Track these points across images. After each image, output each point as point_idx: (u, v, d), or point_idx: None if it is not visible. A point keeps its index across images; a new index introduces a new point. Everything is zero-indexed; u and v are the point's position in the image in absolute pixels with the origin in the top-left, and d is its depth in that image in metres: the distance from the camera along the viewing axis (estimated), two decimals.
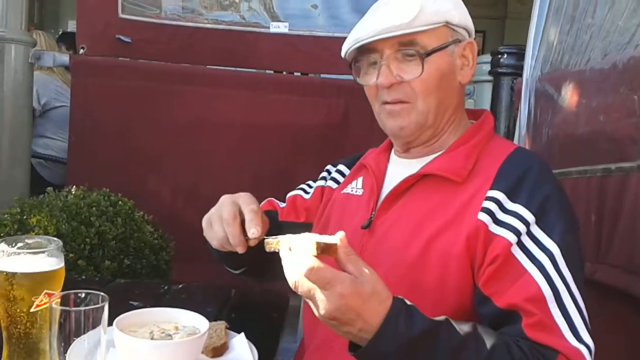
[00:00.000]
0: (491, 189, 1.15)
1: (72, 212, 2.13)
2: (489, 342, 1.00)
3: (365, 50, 1.25)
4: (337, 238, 0.96)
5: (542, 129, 2.05)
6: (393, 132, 1.28)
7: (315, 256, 0.93)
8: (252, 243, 1.17)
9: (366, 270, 0.96)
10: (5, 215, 2.10)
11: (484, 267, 1.10)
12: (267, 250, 1.02)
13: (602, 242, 1.56)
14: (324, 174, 1.55)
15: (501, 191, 1.14)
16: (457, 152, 1.24)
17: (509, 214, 1.11)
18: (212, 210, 1.23)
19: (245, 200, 1.21)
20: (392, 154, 1.39)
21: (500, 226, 1.11)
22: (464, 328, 1.01)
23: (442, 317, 1.01)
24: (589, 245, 1.57)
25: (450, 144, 1.28)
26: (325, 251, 0.94)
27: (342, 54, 1.30)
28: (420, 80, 1.22)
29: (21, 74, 2.87)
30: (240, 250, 1.17)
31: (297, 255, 0.94)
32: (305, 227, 1.44)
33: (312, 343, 1.30)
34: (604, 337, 1.49)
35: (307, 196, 1.53)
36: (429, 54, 1.21)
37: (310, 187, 1.55)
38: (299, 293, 0.94)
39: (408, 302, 0.98)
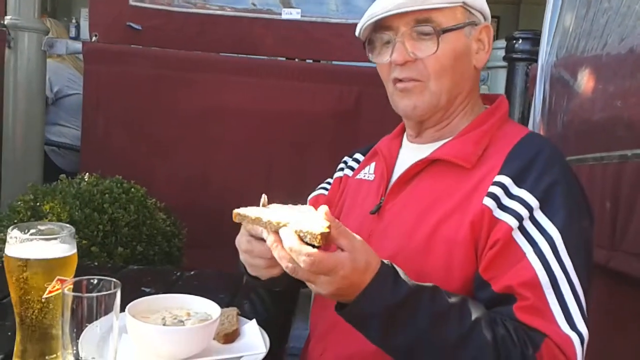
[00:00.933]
0: (499, 174, 1.14)
1: (85, 199, 2.15)
2: (474, 315, 1.01)
3: (380, 27, 1.24)
4: (321, 213, 0.96)
5: (557, 115, 2.03)
6: (405, 111, 1.27)
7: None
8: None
9: (357, 240, 0.98)
10: (19, 202, 2.11)
11: (485, 251, 1.10)
12: (237, 221, 1.03)
13: (617, 229, 1.54)
14: (341, 165, 1.55)
15: (508, 176, 1.13)
16: (467, 137, 1.23)
17: (514, 199, 1.10)
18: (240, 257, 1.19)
19: (238, 244, 1.17)
20: (405, 139, 1.38)
21: (504, 211, 1.10)
22: (452, 298, 1.02)
23: (430, 284, 1.02)
24: (604, 232, 1.55)
25: (462, 128, 1.26)
26: (326, 238, 0.93)
27: (357, 32, 1.29)
28: (434, 58, 1.20)
29: (34, 62, 2.87)
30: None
31: (296, 250, 0.93)
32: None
33: (317, 330, 1.31)
34: (618, 323, 1.48)
35: (327, 192, 1.54)
36: (445, 31, 1.20)
37: (329, 183, 1.55)
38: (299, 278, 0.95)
39: (396, 267, 1.00)
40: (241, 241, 1.17)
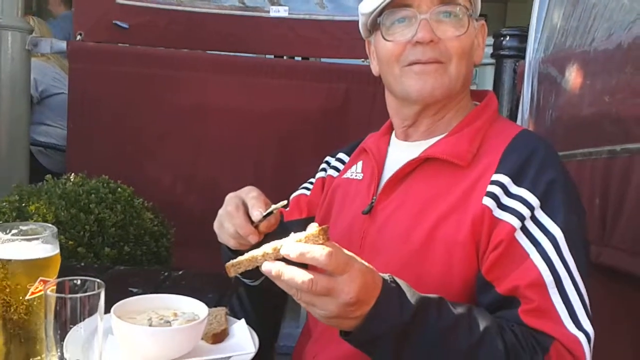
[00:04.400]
0: (496, 172, 1.12)
1: (71, 199, 2.12)
2: (482, 324, 0.99)
3: (397, 4, 1.20)
4: (313, 227, 0.91)
5: (545, 111, 2.03)
6: (421, 94, 1.20)
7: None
8: (262, 228, 1.15)
9: (357, 260, 0.93)
10: (4, 203, 2.08)
11: (487, 252, 1.08)
12: (233, 274, 0.97)
13: (607, 224, 1.54)
14: (324, 165, 1.52)
15: (506, 175, 1.11)
16: (460, 135, 1.21)
17: (514, 198, 1.09)
18: (220, 211, 1.21)
19: (245, 191, 1.20)
20: (393, 137, 1.36)
21: (505, 211, 1.08)
22: (458, 309, 1.00)
23: (435, 296, 1.00)
24: (594, 228, 1.55)
25: (454, 125, 1.24)
26: (326, 233, 0.91)
27: (368, 7, 1.24)
28: (458, 40, 1.18)
29: (18, 61, 2.84)
30: (253, 239, 1.14)
31: (308, 252, 0.88)
32: (309, 222, 1.42)
33: (315, 330, 1.29)
34: (609, 320, 1.48)
35: (309, 193, 1.51)
36: (471, 15, 1.20)
37: (312, 183, 1.53)
38: (315, 291, 0.88)
39: (398, 281, 0.97)
40: (229, 202, 1.17)
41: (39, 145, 3.52)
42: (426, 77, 1.19)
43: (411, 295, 0.96)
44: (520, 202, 1.08)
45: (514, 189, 1.10)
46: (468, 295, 1.09)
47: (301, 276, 0.87)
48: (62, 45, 2.92)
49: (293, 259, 0.89)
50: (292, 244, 0.89)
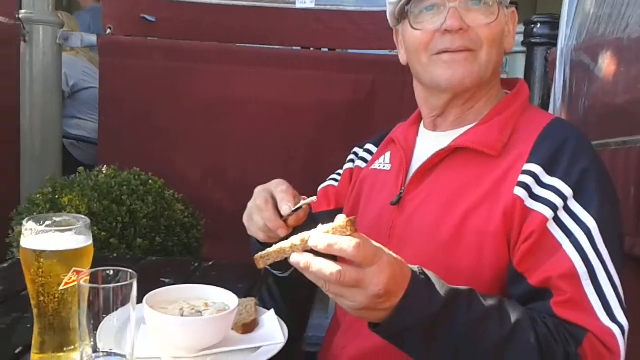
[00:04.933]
0: (528, 162, 1.10)
1: (103, 191, 2.15)
2: (514, 316, 0.97)
3: None
4: (341, 219, 0.91)
5: (578, 100, 1.99)
6: (450, 82, 1.19)
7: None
8: (291, 222, 1.16)
9: (385, 252, 0.92)
10: (38, 195, 2.12)
11: (519, 243, 1.06)
12: (262, 265, 0.97)
13: None
14: (352, 156, 1.52)
15: (538, 164, 1.09)
16: (491, 124, 1.19)
17: (546, 188, 1.07)
18: (249, 204, 1.22)
19: (274, 184, 1.20)
20: (421, 126, 1.35)
21: (537, 201, 1.06)
22: (488, 301, 0.98)
23: (465, 288, 0.98)
24: (628, 218, 1.51)
25: (484, 114, 1.22)
26: (353, 224, 0.90)
27: None
28: (488, 28, 1.17)
29: (50, 56, 2.88)
30: (282, 233, 1.15)
31: (335, 243, 0.87)
32: (338, 214, 1.42)
33: (344, 322, 1.29)
34: None
35: (337, 184, 1.51)
36: (501, 2, 1.18)
37: (340, 174, 1.53)
38: (343, 283, 0.87)
39: (427, 272, 0.96)
40: (258, 196, 1.18)
41: (71, 139, 3.58)
42: (456, 66, 1.18)
43: (440, 286, 0.95)
44: (553, 192, 1.06)
45: (547, 179, 1.08)
46: (499, 287, 1.08)
47: (329, 268, 0.87)
48: (93, 39, 2.95)
49: (321, 251, 0.88)
50: (320, 236, 0.89)
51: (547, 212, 1.05)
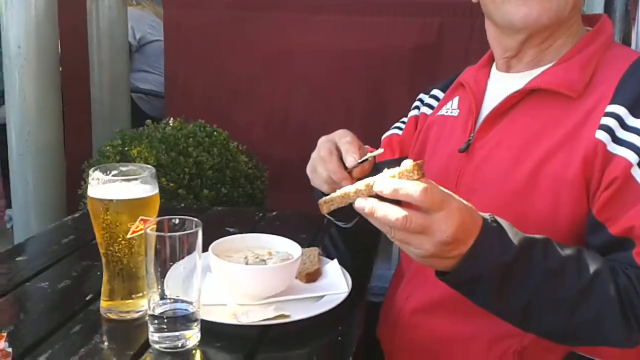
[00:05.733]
0: (611, 103, 1.02)
1: (170, 143, 2.19)
2: (592, 267, 0.92)
3: None
4: (407, 163, 0.87)
5: None
6: (525, 21, 1.10)
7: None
8: (356, 174, 1.13)
9: (455, 198, 0.88)
10: (108, 147, 2.18)
11: (600, 190, 0.99)
12: (326, 210, 0.94)
13: None
14: (417, 103, 1.46)
15: (622, 105, 1.01)
16: (570, 62, 1.10)
17: (631, 131, 0.99)
18: (312, 155, 1.19)
19: (339, 135, 1.17)
20: (493, 68, 1.27)
21: (621, 145, 0.99)
22: (565, 250, 0.93)
23: (541, 237, 0.93)
24: None
25: (564, 52, 1.13)
26: (420, 168, 0.86)
27: None
28: None
29: (115, 9, 2.92)
30: (346, 184, 1.12)
31: (401, 188, 0.83)
32: (401, 162, 1.37)
33: (408, 271, 1.26)
34: None
35: (401, 132, 1.46)
36: None
37: (404, 122, 1.48)
38: (409, 229, 0.84)
39: (500, 220, 0.91)
40: (322, 147, 1.15)
41: (139, 92, 3.65)
42: (531, 3, 1.08)
43: (514, 235, 0.90)
44: (638, 134, 0.98)
45: (631, 121, 1.00)
46: (575, 237, 1.02)
47: (395, 213, 0.83)
48: None
49: (386, 196, 0.85)
50: (385, 180, 0.85)
51: (632, 157, 0.97)
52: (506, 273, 0.90)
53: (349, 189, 0.90)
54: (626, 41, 2.27)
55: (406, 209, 0.84)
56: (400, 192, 0.83)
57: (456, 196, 0.88)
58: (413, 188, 0.83)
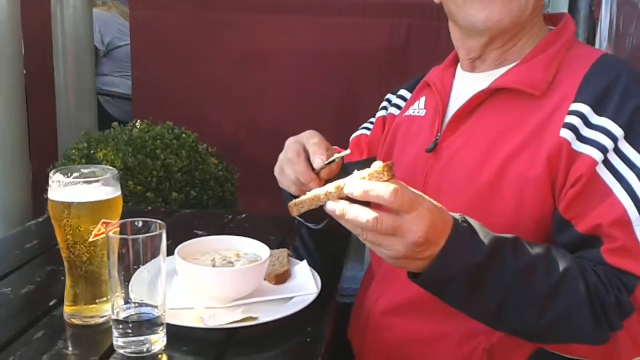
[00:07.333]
0: (574, 101, 1.02)
1: (137, 145, 2.15)
2: (562, 265, 0.93)
3: None
4: (377, 164, 0.86)
5: (625, 38, 1.88)
6: (486, 24, 1.11)
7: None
8: (324, 175, 1.13)
9: (426, 199, 0.88)
10: (73, 150, 2.14)
11: (565, 189, 1.00)
12: (296, 213, 0.93)
13: None
14: (384, 103, 1.46)
15: (586, 104, 1.01)
16: (534, 62, 1.11)
17: (595, 129, 1.00)
18: (280, 156, 1.19)
19: (307, 136, 1.17)
20: (459, 68, 1.27)
21: (585, 143, 0.99)
22: (535, 249, 0.94)
23: (510, 236, 0.94)
24: None
25: (527, 52, 1.14)
26: (390, 169, 0.86)
27: None
28: None
29: (80, 10, 2.86)
30: (314, 186, 1.12)
31: (372, 189, 0.83)
32: (370, 163, 1.37)
33: (378, 272, 1.26)
34: None
35: (369, 133, 1.46)
36: None
37: (372, 122, 1.47)
38: (380, 230, 0.83)
39: (470, 220, 0.91)
40: (290, 148, 1.15)
41: (106, 95, 3.60)
42: (492, 6, 1.09)
43: (484, 235, 0.90)
44: (602, 132, 0.99)
45: (595, 119, 1.00)
46: (541, 235, 1.03)
47: (366, 215, 0.83)
48: None
49: (357, 197, 0.84)
50: (356, 182, 0.85)
51: (596, 155, 0.98)
52: (477, 273, 0.90)
53: (319, 191, 0.89)
54: (590, 41, 2.30)
55: (377, 210, 0.83)
56: (370, 194, 0.83)
57: (427, 197, 0.88)
58: (383, 189, 0.82)
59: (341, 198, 0.87)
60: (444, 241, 0.87)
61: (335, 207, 0.85)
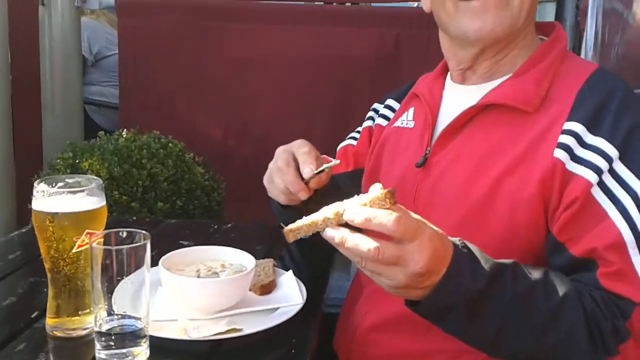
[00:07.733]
0: (568, 120, 1.01)
1: (123, 155, 2.14)
2: (561, 290, 0.92)
3: None
4: (376, 188, 0.84)
5: (611, 48, 1.90)
6: (478, 34, 1.09)
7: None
8: (313, 185, 1.12)
9: (427, 225, 0.86)
10: (58, 160, 2.12)
11: (559, 211, 0.98)
12: (292, 239, 0.89)
13: None
14: (371, 113, 1.45)
15: (580, 123, 1.00)
16: (526, 76, 1.09)
17: (589, 149, 0.98)
18: (270, 165, 1.19)
19: (297, 145, 1.16)
20: (448, 79, 1.25)
21: (579, 163, 0.98)
22: (534, 274, 0.92)
23: (510, 261, 0.92)
24: None
25: (519, 64, 1.12)
26: (393, 196, 0.83)
27: None
28: None
29: (68, 19, 2.84)
30: (303, 196, 1.12)
31: (374, 217, 0.80)
32: (357, 175, 1.37)
33: (368, 288, 1.23)
34: None
35: (355, 143, 1.45)
36: None
37: (359, 132, 1.46)
38: (382, 260, 0.80)
39: (470, 246, 0.90)
40: (280, 157, 1.15)
41: (93, 104, 3.57)
42: (485, 15, 1.07)
43: (484, 261, 0.89)
44: (597, 153, 0.97)
45: (590, 139, 0.99)
46: (533, 257, 1.01)
47: (367, 244, 0.80)
48: (110, 0, 2.91)
49: (358, 225, 0.81)
50: (357, 209, 0.81)
51: (592, 177, 0.96)
52: (477, 300, 0.88)
53: (317, 217, 0.86)
54: (575, 50, 2.33)
55: (376, 239, 0.81)
56: (373, 222, 0.80)
57: (428, 223, 0.85)
58: (386, 218, 0.79)
59: (340, 224, 0.84)
60: (445, 269, 0.85)
61: (334, 235, 0.82)
